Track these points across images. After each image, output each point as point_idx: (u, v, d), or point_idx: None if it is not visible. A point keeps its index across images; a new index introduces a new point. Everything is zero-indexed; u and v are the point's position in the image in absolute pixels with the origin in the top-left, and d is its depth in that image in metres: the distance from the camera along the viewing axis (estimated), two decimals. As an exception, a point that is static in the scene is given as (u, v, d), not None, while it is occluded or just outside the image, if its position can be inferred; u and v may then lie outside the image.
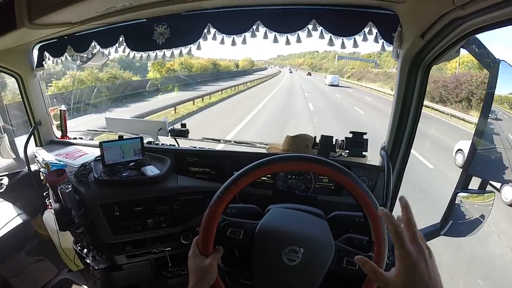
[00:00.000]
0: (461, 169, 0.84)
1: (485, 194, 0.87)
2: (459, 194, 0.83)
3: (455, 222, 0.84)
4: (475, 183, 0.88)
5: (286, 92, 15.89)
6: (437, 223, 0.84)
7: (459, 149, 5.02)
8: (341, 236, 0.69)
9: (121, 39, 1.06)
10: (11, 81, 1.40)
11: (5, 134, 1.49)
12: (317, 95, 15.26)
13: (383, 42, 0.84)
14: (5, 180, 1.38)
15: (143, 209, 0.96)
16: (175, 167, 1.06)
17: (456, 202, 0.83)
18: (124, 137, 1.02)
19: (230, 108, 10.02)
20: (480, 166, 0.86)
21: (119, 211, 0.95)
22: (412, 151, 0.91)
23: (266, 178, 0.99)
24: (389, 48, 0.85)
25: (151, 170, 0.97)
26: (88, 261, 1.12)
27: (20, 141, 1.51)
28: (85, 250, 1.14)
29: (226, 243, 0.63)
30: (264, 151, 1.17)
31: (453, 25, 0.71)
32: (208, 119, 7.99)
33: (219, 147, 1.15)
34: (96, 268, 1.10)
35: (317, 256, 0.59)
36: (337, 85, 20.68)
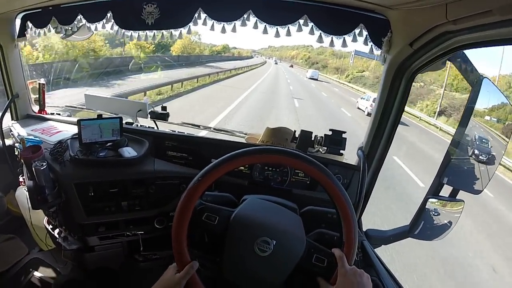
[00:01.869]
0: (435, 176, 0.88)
1: (454, 202, 0.91)
2: (429, 200, 0.86)
3: (423, 226, 0.88)
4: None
5: (272, 78, 20.31)
6: (407, 225, 0.87)
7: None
8: (313, 230, 0.71)
9: (109, 15, 1.01)
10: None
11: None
12: (297, 83, 19.02)
13: (372, 45, 0.85)
14: (-23, 154, 1.32)
15: (118, 191, 0.94)
16: (153, 150, 1.04)
17: (426, 206, 0.86)
18: (103, 116, 0.98)
19: (214, 95, 10.09)
20: (453, 176, 0.90)
21: (93, 191, 0.93)
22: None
23: (243, 168, 0.99)
24: (377, 52, 0.86)
25: (128, 152, 0.95)
26: (59, 241, 1.10)
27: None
28: (57, 229, 1.11)
29: (200, 227, 0.63)
30: (243, 140, 1.17)
31: (442, 37, 0.73)
32: (191, 105, 7.88)
33: (198, 133, 1.14)
34: (68, 248, 1.08)
35: (288, 250, 0.60)
36: (316, 79, 24.23)
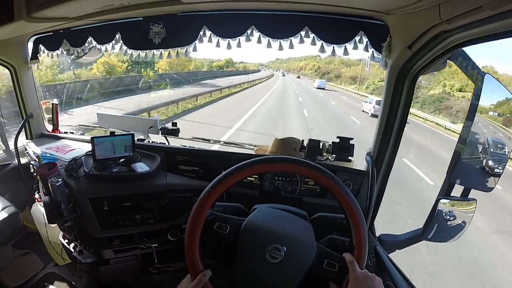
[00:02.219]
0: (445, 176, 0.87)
1: (467, 201, 0.90)
2: (441, 201, 0.85)
3: (437, 228, 0.87)
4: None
5: (281, 89, 21.30)
6: (420, 228, 0.86)
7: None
8: (324, 237, 0.71)
9: (117, 36, 1.07)
10: (4, 73, 1.40)
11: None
12: (305, 93, 19.77)
13: (373, 51, 0.87)
14: (-5, 172, 1.37)
15: (131, 205, 0.97)
16: (164, 165, 1.07)
17: (438, 208, 0.85)
18: (116, 133, 1.02)
19: (226, 109, 10.30)
20: (462, 175, 0.89)
21: (108, 205, 0.96)
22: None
23: (253, 179, 1.01)
24: (378, 57, 0.87)
25: (141, 167, 0.98)
26: (75, 255, 1.12)
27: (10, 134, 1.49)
28: (73, 244, 1.13)
29: (212, 237, 0.64)
30: (253, 152, 1.19)
31: (439, 38, 0.75)
32: (201, 120, 8.08)
33: (209, 148, 1.17)
34: (83, 262, 1.10)
35: (299, 256, 0.60)
36: (323, 88, 24.98)
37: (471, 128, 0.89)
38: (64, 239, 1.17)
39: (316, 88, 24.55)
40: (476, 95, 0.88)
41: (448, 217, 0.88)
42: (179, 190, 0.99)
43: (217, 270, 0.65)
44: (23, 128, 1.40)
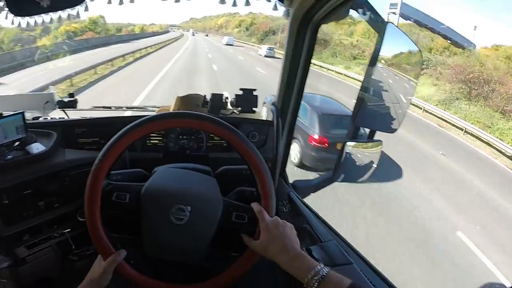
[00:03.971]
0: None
1: (373, 142, 0.99)
2: (348, 143, 0.92)
3: (346, 170, 0.95)
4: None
5: (192, 46, 23.88)
6: (330, 171, 0.94)
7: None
8: (233, 191, 0.72)
9: (1, 3, 0.88)
10: None
11: None
12: (215, 51, 21.32)
13: (275, 2, 0.85)
14: None
15: (32, 192, 0.88)
16: (62, 141, 0.98)
17: (345, 150, 0.93)
18: (4, 114, 0.89)
19: (134, 74, 10.33)
20: (367, 118, 0.97)
21: (7, 198, 0.86)
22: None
23: (157, 141, 0.98)
24: (281, 7, 0.86)
25: (37, 148, 0.88)
26: None
27: None
28: None
29: (112, 209, 0.61)
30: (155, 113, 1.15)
31: None
32: (109, 87, 8.23)
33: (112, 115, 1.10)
34: (0, 267, 1.00)
35: (205, 213, 0.60)
36: (232, 45, 26.86)
37: (373, 75, 0.96)
38: (-26, 247, 1.05)
39: (225, 44, 26.68)
40: (378, 44, 0.93)
41: (355, 158, 0.97)
42: (81, 165, 0.92)
43: (125, 242, 0.63)
44: None
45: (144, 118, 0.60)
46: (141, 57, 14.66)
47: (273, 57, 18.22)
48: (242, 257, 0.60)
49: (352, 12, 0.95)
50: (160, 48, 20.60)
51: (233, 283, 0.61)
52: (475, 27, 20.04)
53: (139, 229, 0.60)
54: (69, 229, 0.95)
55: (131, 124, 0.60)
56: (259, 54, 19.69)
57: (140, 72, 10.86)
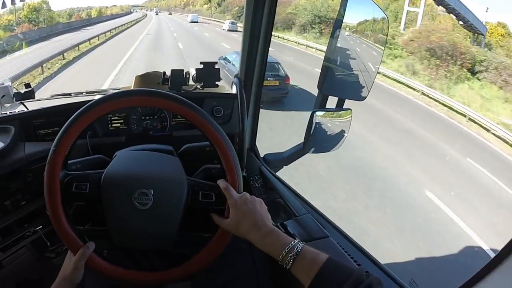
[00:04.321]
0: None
1: (342, 111, 0.98)
2: (316, 113, 0.91)
3: (317, 140, 0.94)
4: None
5: (156, 26, 22.63)
6: (301, 143, 0.93)
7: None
8: (198, 169, 0.69)
9: None
10: None
11: None
12: (180, 29, 20.59)
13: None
14: None
15: None
16: (21, 135, 0.91)
17: (315, 120, 0.91)
18: None
19: (96, 60, 10.02)
20: (335, 86, 0.95)
21: None
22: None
23: (119, 124, 0.92)
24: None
25: None
26: None
27: None
28: None
29: (74, 200, 0.58)
30: None
31: None
32: (72, 77, 8.02)
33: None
34: None
35: (169, 195, 0.57)
36: (197, 22, 26.18)
37: (337, 42, 0.93)
38: None
39: (190, 22, 25.59)
40: (341, 12, 0.91)
41: (326, 128, 0.96)
42: (42, 158, 0.85)
43: (92, 234, 0.60)
44: None
45: (94, 100, 0.56)
46: (100, 44, 13.34)
47: (236, 30, 18.45)
48: (214, 238, 0.58)
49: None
50: (123, 30, 19.44)
51: (209, 265, 0.59)
52: (487, 8, 14.77)
53: (104, 219, 0.57)
54: (41, 226, 0.89)
55: (80, 109, 0.55)
56: (223, 29, 19.99)
57: (105, 56, 10.57)
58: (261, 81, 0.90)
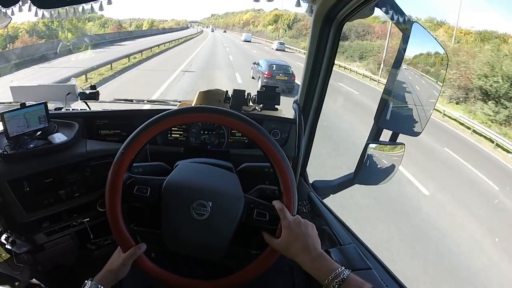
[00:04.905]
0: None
1: (395, 145, 0.95)
2: (370, 145, 0.89)
3: (368, 172, 0.92)
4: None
5: (212, 41, 26.31)
6: (351, 173, 0.91)
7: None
8: (254, 188, 0.71)
9: None
10: None
11: None
12: (233, 46, 23.50)
13: (299, -2, 0.84)
14: None
15: (53, 180, 0.89)
16: (84, 132, 0.99)
17: (367, 152, 0.90)
18: (27, 104, 0.91)
19: (154, 69, 11.20)
20: (390, 120, 0.93)
21: (28, 186, 0.87)
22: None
23: (178, 135, 0.97)
24: (304, 4, 0.85)
25: (59, 138, 0.89)
26: (9, 247, 1.03)
27: None
28: (4, 236, 1.04)
29: (133, 202, 0.61)
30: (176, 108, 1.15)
31: None
32: (131, 81, 8.86)
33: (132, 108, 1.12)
34: (19, 253, 1.02)
35: (226, 209, 0.59)
36: (249, 41, 29.22)
37: (398, 76, 0.93)
38: (-6, 233, 1.07)
39: (243, 41, 28.82)
40: (403, 44, 0.91)
41: (377, 161, 0.93)
42: (102, 156, 0.93)
43: (147, 237, 0.63)
44: None
45: (166, 112, 0.60)
46: (165, 50, 16.63)
47: (283, 50, 21.67)
48: (262, 255, 0.59)
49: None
50: (185, 41, 23.65)
51: (251, 281, 0.59)
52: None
53: (159, 223, 0.60)
54: (88, 219, 0.96)
55: (153, 118, 0.59)
56: (271, 48, 22.85)
57: (173, 57, 13.45)
58: (319, 108, 0.91)
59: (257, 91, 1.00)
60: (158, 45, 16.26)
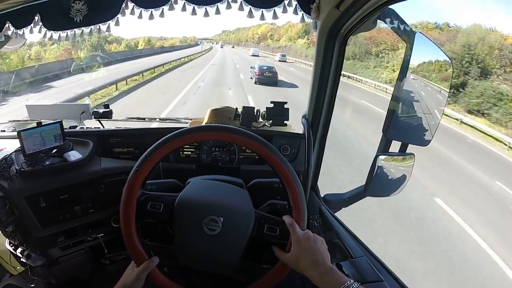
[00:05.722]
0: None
1: (405, 156, 0.94)
2: (379, 157, 0.88)
3: (378, 184, 0.91)
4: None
5: (222, 55, 29.01)
6: (362, 185, 0.90)
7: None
8: (264, 203, 0.71)
9: (36, 18, 0.97)
10: None
11: None
12: (242, 61, 24.56)
13: (302, 14, 0.85)
14: None
15: (69, 197, 0.92)
16: (98, 150, 1.02)
17: (377, 164, 0.89)
18: (43, 122, 0.95)
19: (161, 87, 11.43)
20: (398, 131, 0.93)
21: (44, 201, 0.90)
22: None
23: (190, 152, 0.99)
24: (308, 20, 0.87)
25: (74, 155, 0.92)
26: (24, 261, 1.06)
27: None
28: (19, 249, 1.07)
29: (147, 217, 0.62)
30: (188, 126, 1.17)
31: None
32: (138, 100, 9.02)
33: (145, 126, 1.15)
34: (33, 266, 1.04)
35: (237, 225, 0.60)
36: (257, 55, 30.91)
37: (404, 85, 0.93)
38: (11, 246, 1.10)
39: (251, 55, 30.69)
40: (407, 54, 0.91)
41: (388, 172, 0.92)
42: (115, 173, 0.95)
43: (160, 251, 0.64)
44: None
45: (179, 131, 0.62)
46: (175, 67, 17.80)
47: (285, 61, 24.54)
48: (273, 270, 0.59)
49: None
50: (197, 58, 26.14)
51: None
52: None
53: (172, 238, 0.61)
54: (102, 234, 0.98)
55: (166, 137, 0.61)
56: (274, 60, 25.36)
57: (178, 77, 13.80)
58: (327, 122, 0.92)
59: (267, 108, 1.01)
60: (170, 62, 17.51)
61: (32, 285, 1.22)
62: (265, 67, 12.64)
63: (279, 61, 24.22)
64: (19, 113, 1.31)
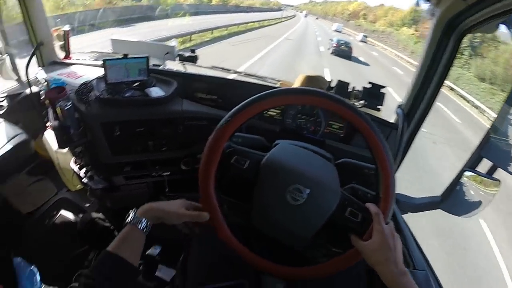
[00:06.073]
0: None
1: (491, 180, 0.84)
2: (466, 173, 0.80)
3: (455, 199, 0.83)
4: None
5: (305, 25, 28.65)
6: (438, 196, 0.82)
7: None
8: (346, 185, 0.66)
9: None
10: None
11: (6, 55, 1.43)
12: (324, 34, 24.24)
13: (419, -4, 0.74)
14: (6, 101, 1.34)
15: (144, 130, 0.94)
16: (181, 91, 1.00)
17: (461, 179, 0.81)
18: (129, 56, 0.96)
19: (243, 43, 11.71)
20: (494, 151, 0.82)
21: (119, 130, 0.93)
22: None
23: (274, 113, 0.95)
24: (425, 4, 0.75)
25: (156, 92, 0.93)
26: (85, 181, 1.14)
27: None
28: (84, 169, 1.15)
29: (228, 171, 0.60)
30: (276, 86, 1.11)
31: None
32: (221, 52, 8.98)
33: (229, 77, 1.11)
34: (94, 188, 1.11)
35: (321, 200, 0.56)
36: (340, 32, 29.99)
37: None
38: (76, 165, 1.19)
39: (334, 30, 30.02)
40: None
41: (468, 191, 0.83)
42: (196, 117, 0.94)
43: (232, 207, 0.62)
44: (35, 57, 1.34)
45: (282, 88, 0.57)
46: (257, 28, 18.26)
47: (366, 42, 24.49)
48: (344, 255, 0.55)
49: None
50: (276, 23, 25.72)
51: (317, 279, 0.56)
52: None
53: (249, 198, 0.58)
54: (169, 173, 1.00)
55: (268, 92, 0.56)
56: (356, 39, 24.86)
57: (261, 37, 14.06)
58: (423, 118, 0.84)
59: (363, 87, 0.93)
60: (252, 22, 17.57)
61: (87, 205, 1.35)
62: (343, 42, 13.57)
63: (360, 41, 24.20)
64: (101, 46, 1.35)
